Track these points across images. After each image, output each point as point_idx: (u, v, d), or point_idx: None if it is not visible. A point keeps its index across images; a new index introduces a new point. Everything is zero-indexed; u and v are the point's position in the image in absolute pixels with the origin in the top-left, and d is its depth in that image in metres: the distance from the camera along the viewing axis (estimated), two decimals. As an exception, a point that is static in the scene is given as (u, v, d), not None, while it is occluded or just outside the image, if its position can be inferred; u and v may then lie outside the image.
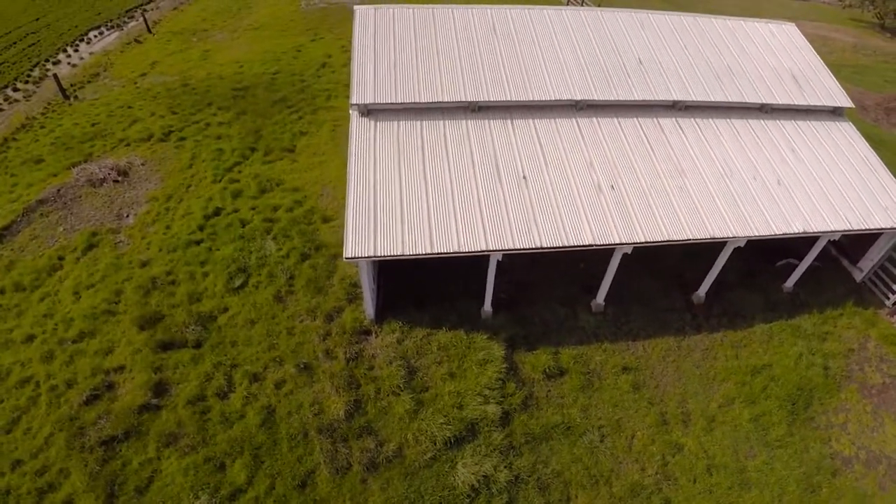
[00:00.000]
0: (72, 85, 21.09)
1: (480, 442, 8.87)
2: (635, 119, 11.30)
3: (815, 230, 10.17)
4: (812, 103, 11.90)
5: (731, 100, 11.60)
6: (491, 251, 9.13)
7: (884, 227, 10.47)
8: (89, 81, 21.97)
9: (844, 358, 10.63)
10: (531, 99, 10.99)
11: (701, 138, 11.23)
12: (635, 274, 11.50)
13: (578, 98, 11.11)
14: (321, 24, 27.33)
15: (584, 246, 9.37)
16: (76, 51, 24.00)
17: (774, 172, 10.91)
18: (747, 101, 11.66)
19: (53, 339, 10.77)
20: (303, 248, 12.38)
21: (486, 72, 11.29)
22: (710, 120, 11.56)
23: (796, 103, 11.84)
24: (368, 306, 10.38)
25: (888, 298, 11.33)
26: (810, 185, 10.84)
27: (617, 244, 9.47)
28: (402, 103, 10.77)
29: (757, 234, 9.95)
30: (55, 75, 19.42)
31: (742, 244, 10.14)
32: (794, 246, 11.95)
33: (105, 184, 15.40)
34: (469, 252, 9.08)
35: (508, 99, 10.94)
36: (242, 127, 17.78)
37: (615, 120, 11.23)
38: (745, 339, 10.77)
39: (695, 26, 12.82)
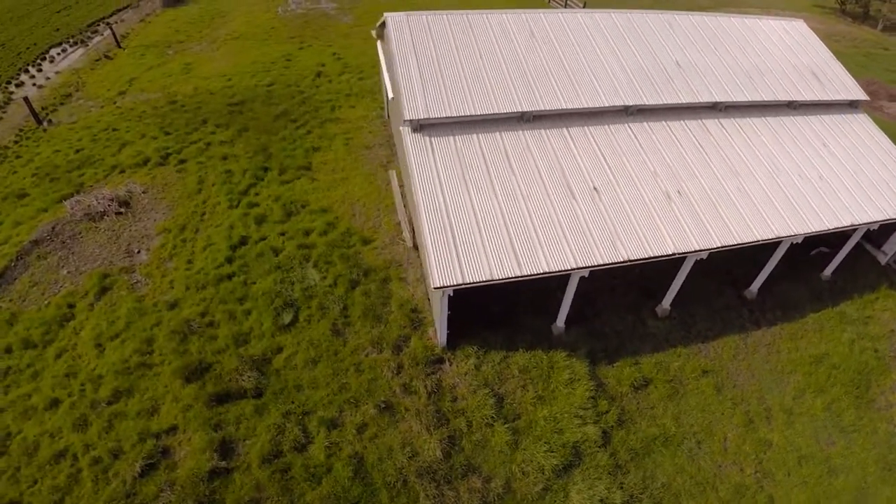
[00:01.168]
0: (43, 108, 18.32)
1: (587, 465, 8.17)
2: (683, 122, 10.85)
3: (861, 222, 10.13)
4: (833, 98, 11.92)
5: (764, 98, 11.39)
6: (580, 268, 8.37)
7: (916, 213, 10.59)
8: (62, 103, 19.19)
9: (888, 339, 10.74)
10: (585, 106, 10.27)
11: (745, 138, 10.95)
12: (689, 274, 11.12)
13: (629, 103, 10.49)
14: (304, 32, 25.38)
15: (667, 256, 8.81)
16: (40, 70, 20.95)
17: (814, 168, 10.79)
18: (779, 98, 11.49)
19: (84, 403, 9.03)
20: (350, 275, 11.12)
21: (535, 79, 10.44)
22: (748, 119, 11.30)
23: (820, 99, 11.82)
24: (441, 333, 9.36)
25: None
26: (846, 178, 10.81)
27: (697, 250, 8.96)
28: (456, 117, 9.74)
29: (813, 230, 9.76)
30: (26, 98, 16.74)
31: (800, 241, 9.93)
32: (825, 234, 11.96)
33: (106, 217, 13.34)
34: (558, 271, 8.28)
35: (563, 107, 10.16)
36: (247, 145, 16.01)
37: (665, 124, 10.73)
38: (800, 331, 10.66)
39: (717, 26, 12.53)
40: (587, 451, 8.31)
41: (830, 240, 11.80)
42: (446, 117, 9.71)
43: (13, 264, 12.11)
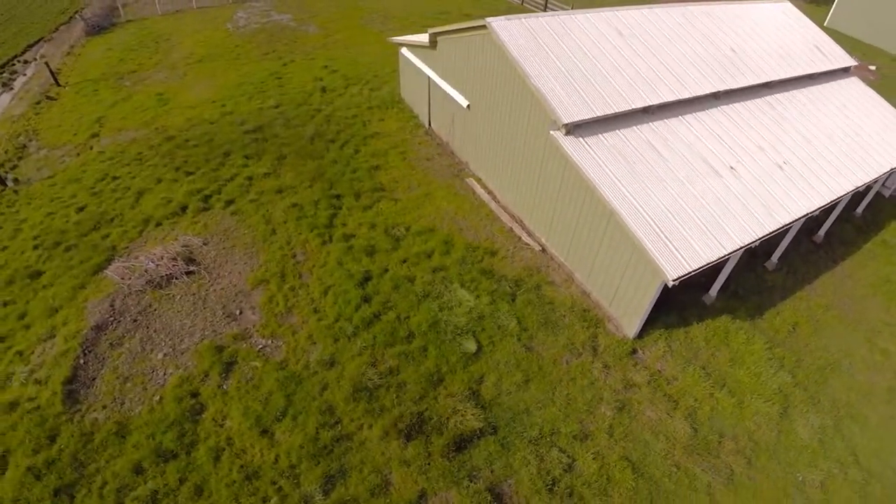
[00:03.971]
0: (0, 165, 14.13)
1: (793, 403, 8.98)
2: (753, 101, 12.02)
3: (894, 165, 12.21)
4: (835, 67, 14.06)
5: (797, 74, 13.06)
6: (759, 239, 8.97)
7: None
8: (19, 157, 15.06)
9: (917, 255, 13.08)
10: (692, 95, 10.87)
11: (797, 109, 12.48)
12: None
13: (719, 89, 11.34)
14: (276, 46, 22.84)
15: (805, 216, 9.83)
16: (-35, 120, 16.05)
17: (850, 127, 12.72)
18: (806, 72, 13.25)
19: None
20: (502, 288, 10.53)
21: (646, 74, 10.77)
22: (791, 93, 12.89)
23: (827, 69, 13.86)
24: (639, 324, 9.37)
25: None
26: (872, 131, 12.90)
27: (817, 209, 10.10)
28: (600, 116, 9.68)
29: (874, 177, 11.55)
30: (-9, 156, 12.78)
31: (863, 189, 11.68)
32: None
33: (175, 280, 10.90)
34: (750, 244, 8.80)
35: (677, 98, 10.65)
36: (297, 174, 14.14)
37: (743, 104, 11.79)
38: (864, 260, 12.59)
39: (741, 12, 13.93)
40: (788, 392, 9.09)
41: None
42: (593, 118, 9.62)
43: (82, 361, 9.40)
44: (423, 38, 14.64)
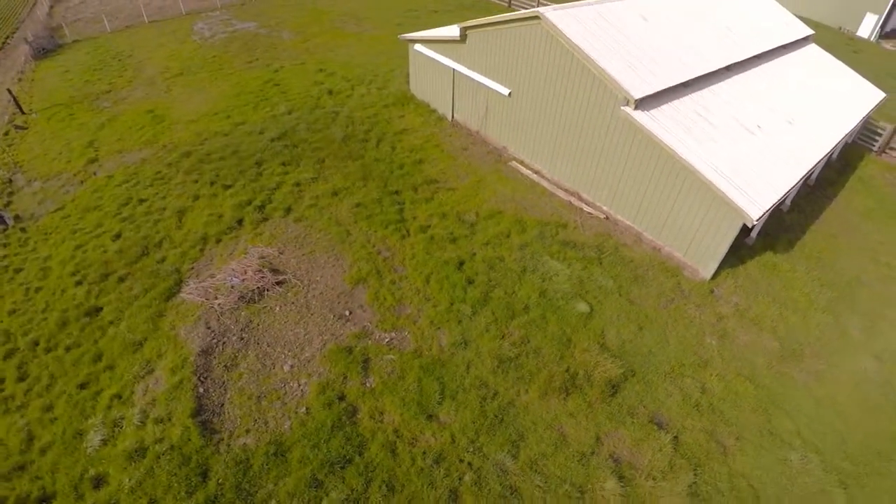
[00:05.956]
0: (-3, 202, 12.85)
1: (839, 311, 11.42)
2: (753, 70, 14.52)
3: (865, 114, 15.33)
4: (801, 37, 17.12)
5: (777, 45, 15.88)
6: (798, 182, 11.18)
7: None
8: (10, 192, 13.66)
9: (892, 187, 16.28)
10: (714, 68, 13.00)
11: (786, 75, 15.25)
12: (775, 179, 15.00)
13: (732, 62, 13.58)
14: (256, 54, 22.52)
15: (820, 160, 12.27)
16: (-71, 155, 14.18)
17: (825, 86, 15.72)
18: (782, 42, 16.10)
19: (486, 490, 8.12)
20: (590, 255, 11.86)
21: (677, 53, 12.65)
22: (777, 60, 15.67)
23: (795, 39, 16.85)
24: (713, 267, 11.15)
25: (873, 147, 17.75)
26: (839, 87, 16.00)
27: (826, 154, 12.61)
28: (658, 91, 11.35)
29: (853, 126, 14.50)
30: None
31: (849, 139, 14.55)
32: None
33: (267, 292, 10.89)
34: (792, 187, 10.93)
35: (707, 71, 12.76)
36: (345, 175, 14.52)
37: (749, 73, 14.26)
38: (849, 196, 15.67)
39: (721, -2, 16.53)
40: (834, 305, 11.54)
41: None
42: (652, 93, 11.28)
43: (202, 390, 9.27)
44: (448, 32, 15.63)
